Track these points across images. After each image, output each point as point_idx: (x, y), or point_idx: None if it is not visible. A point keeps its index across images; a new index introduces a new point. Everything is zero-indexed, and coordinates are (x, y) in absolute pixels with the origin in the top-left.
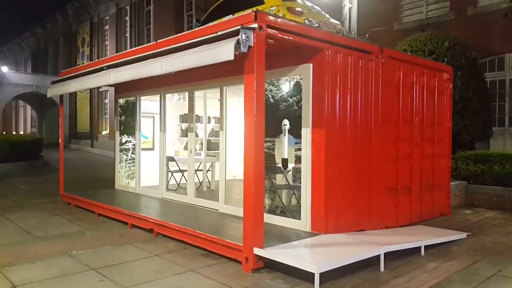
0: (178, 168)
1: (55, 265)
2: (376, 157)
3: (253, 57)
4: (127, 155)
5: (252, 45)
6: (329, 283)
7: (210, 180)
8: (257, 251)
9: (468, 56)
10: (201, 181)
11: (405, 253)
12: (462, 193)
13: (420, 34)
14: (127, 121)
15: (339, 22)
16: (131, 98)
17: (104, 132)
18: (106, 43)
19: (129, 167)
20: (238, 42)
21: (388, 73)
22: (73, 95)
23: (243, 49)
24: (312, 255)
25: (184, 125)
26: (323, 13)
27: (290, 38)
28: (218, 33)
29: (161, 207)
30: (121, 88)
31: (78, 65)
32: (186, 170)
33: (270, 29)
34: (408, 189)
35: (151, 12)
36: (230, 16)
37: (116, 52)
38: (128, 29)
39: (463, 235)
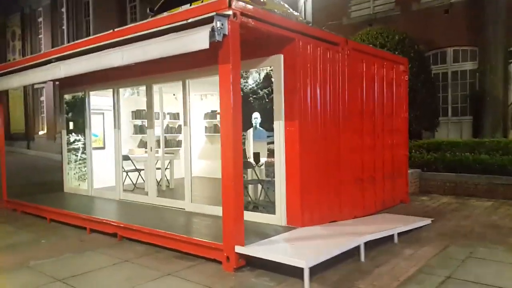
0: (134, 167)
1: (14, 279)
2: (344, 148)
3: (228, 46)
4: (76, 155)
5: (226, 33)
6: (314, 277)
7: (168, 178)
8: (239, 249)
9: (417, 49)
10: (159, 180)
11: (379, 242)
12: (417, 180)
13: (370, 28)
14: (75, 118)
15: (299, 14)
16: (79, 94)
17: (41, 132)
18: (40, 36)
19: (79, 168)
20: (212, 30)
21: (352, 65)
22: (3, 93)
23: (218, 38)
24: (295, 249)
25: (138, 122)
26: (283, 3)
27: (263, 27)
28: (189, 20)
29: (121, 209)
30: (67, 83)
31: (9, 60)
32: (142, 169)
33: (243, 17)
34: (372, 178)
35: (90, 2)
36: (187, 6)
37: (52, 46)
38: (64, 21)
39: (428, 221)
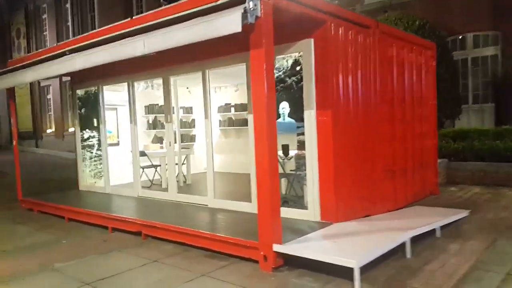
0: (150, 163)
1: (40, 283)
2: (376, 138)
3: (261, 30)
4: (91, 152)
5: (259, 15)
6: (361, 277)
7: (185, 174)
8: (277, 247)
9: (438, 34)
10: (176, 175)
11: (420, 236)
12: (444, 170)
13: (388, 14)
14: (89, 114)
15: None
16: (92, 88)
17: (49, 131)
18: (45, 33)
19: (95, 165)
20: (245, 11)
21: (383, 50)
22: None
23: (251, 20)
24: (339, 247)
25: (151, 117)
26: None
27: (296, 8)
28: (219, 2)
29: (142, 206)
30: (79, 78)
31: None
32: (159, 165)
33: None
34: (404, 170)
35: None
36: None
37: (57, 43)
38: (69, 17)
39: (465, 212)
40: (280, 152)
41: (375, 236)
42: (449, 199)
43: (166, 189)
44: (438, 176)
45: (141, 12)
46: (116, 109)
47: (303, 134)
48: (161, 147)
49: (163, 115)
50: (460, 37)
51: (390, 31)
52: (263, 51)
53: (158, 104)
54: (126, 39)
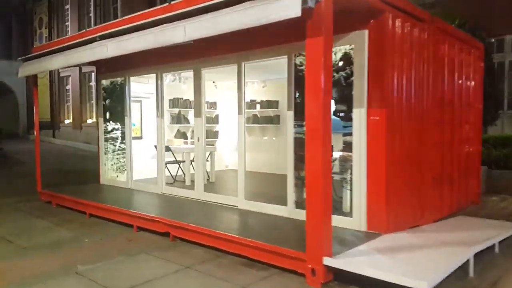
0: (174, 159)
1: None
2: (426, 143)
3: (321, 15)
4: (114, 145)
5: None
6: None
7: (208, 171)
8: (328, 261)
9: (477, 35)
10: None
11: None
12: (484, 178)
13: (427, 11)
14: (113, 106)
15: None
16: (119, 79)
17: (66, 121)
18: (66, 23)
19: (117, 158)
20: None
21: (436, 47)
22: (33, 80)
23: (311, 3)
24: (399, 263)
25: (176, 111)
26: None
27: None
28: None
29: (167, 204)
30: (105, 67)
31: None
32: (183, 161)
33: None
34: (450, 177)
35: None
36: None
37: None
38: (92, 9)
39: None
40: None
41: (435, 251)
42: (493, 210)
43: (190, 187)
44: (480, 185)
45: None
46: (140, 101)
47: (349, 134)
48: (185, 143)
49: (188, 109)
50: (498, 39)
51: (444, 26)
52: (322, 40)
53: (182, 98)
54: (164, 25)
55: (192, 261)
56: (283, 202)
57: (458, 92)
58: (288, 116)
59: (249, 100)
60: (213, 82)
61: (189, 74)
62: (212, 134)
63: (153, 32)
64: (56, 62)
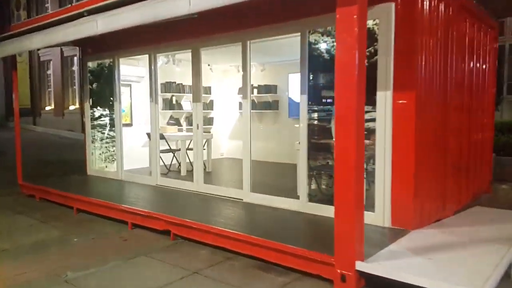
0: (168, 148)
1: None
2: (450, 130)
3: None
4: (102, 133)
5: None
6: None
7: (205, 160)
8: (361, 265)
9: None
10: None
11: None
12: (492, 166)
13: None
14: (101, 90)
15: None
16: (107, 61)
17: (48, 108)
18: (46, 5)
19: (106, 147)
20: None
21: (458, 25)
22: (7, 65)
23: None
24: (440, 266)
25: (168, 96)
26: None
27: None
28: None
29: (165, 198)
30: (92, 49)
31: None
32: (178, 150)
33: None
34: (467, 165)
35: None
36: None
37: None
38: None
39: None
40: None
41: (474, 251)
42: (507, 200)
43: (186, 177)
44: (492, 173)
45: None
46: (130, 85)
47: (370, 120)
48: (179, 130)
49: (181, 94)
50: (499, 22)
51: (466, 2)
52: (357, 8)
53: (175, 82)
54: None
55: (199, 264)
56: (293, 194)
57: (476, 75)
58: (302, 100)
59: None
60: (208, 65)
61: (183, 56)
62: (207, 121)
63: (152, 3)
64: (38, 40)
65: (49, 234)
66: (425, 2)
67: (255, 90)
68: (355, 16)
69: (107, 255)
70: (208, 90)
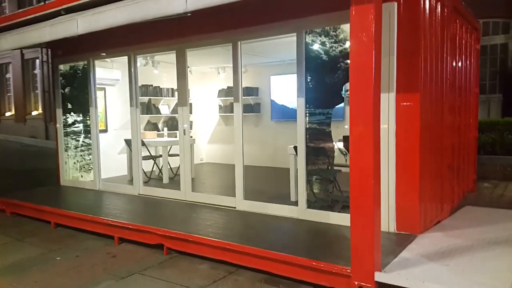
0: (149, 154)
1: None
2: (446, 130)
3: None
4: (77, 140)
5: None
6: None
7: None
8: (380, 276)
9: None
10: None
11: None
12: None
13: None
14: (75, 94)
15: None
16: (81, 63)
17: (8, 114)
18: (4, 4)
19: (81, 155)
20: None
21: (451, 26)
22: None
23: None
24: (459, 274)
25: (145, 99)
26: None
27: None
28: None
29: (151, 209)
30: (64, 50)
31: None
32: (159, 156)
33: None
34: (458, 165)
35: None
36: None
37: None
38: None
39: None
40: (340, 145)
41: (484, 253)
42: (492, 198)
43: (170, 185)
44: (476, 172)
45: None
46: (104, 89)
47: None
48: (159, 135)
49: (158, 97)
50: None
51: (456, 4)
52: (373, 7)
53: (152, 85)
54: None
55: (201, 280)
56: (287, 200)
57: (464, 76)
58: (299, 104)
59: (226, 87)
60: (188, 67)
61: (162, 57)
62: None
63: (143, 1)
64: (9, 41)
65: (28, 253)
66: (426, 2)
67: None
68: (372, 16)
69: (96, 274)
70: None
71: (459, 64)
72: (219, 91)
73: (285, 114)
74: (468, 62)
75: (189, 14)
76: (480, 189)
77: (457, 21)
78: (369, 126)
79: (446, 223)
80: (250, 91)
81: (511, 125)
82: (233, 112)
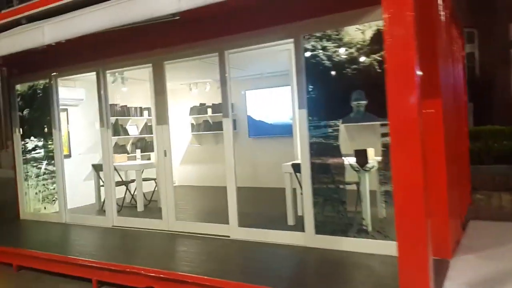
0: (120, 180)
1: None
2: (451, 139)
3: None
4: (39, 168)
5: None
6: None
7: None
8: None
9: None
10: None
11: None
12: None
13: None
14: (35, 116)
15: None
16: (41, 82)
17: None
18: None
19: (44, 185)
20: None
21: (449, 30)
22: None
23: None
24: None
25: (112, 120)
26: None
27: None
28: None
29: (132, 244)
30: (20, 68)
31: None
32: (132, 181)
33: None
34: (460, 176)
35: None
36: None
37: None
38: None
39: None
40: (352, 160)
41: None
42: (492, 210)
43: (144, 214)
44: (470, 182)
45: None
46: (66, 110)
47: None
48: (129, 158)
49: (126, 117)
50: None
51: (452, 8)
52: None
53: (118, 105)
54: None
55: None
56: (289, 225)
57: (458, 83)
58: (301, 116)
59: (198, 104)
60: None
61: (131, 73)
62: (150, 146)
63: (126, 2)
64: None
65: None
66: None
67: (209, 110)
68: (410, 8)
69: None
70: (149, 112)
71: (455, 69)
72: (191, 108)
73: (264, 131)
74: (459, 69)
75: (177, 17)
76: (475, 201)
77: (453, 26)
78: (416, 138)
79: (465, 242)
80: None
81: (495, 134)
82: (207, 131)
